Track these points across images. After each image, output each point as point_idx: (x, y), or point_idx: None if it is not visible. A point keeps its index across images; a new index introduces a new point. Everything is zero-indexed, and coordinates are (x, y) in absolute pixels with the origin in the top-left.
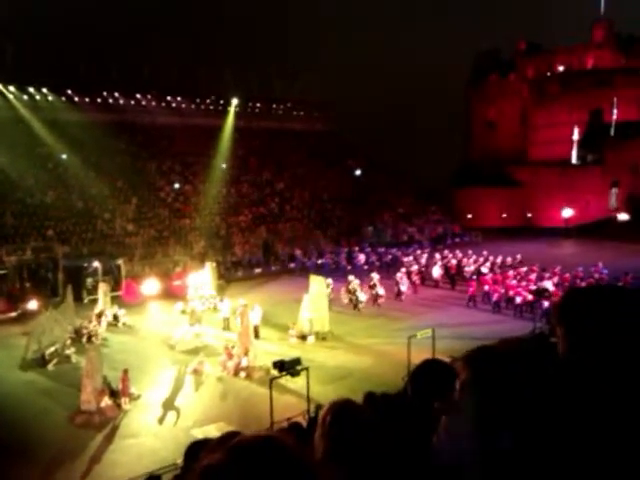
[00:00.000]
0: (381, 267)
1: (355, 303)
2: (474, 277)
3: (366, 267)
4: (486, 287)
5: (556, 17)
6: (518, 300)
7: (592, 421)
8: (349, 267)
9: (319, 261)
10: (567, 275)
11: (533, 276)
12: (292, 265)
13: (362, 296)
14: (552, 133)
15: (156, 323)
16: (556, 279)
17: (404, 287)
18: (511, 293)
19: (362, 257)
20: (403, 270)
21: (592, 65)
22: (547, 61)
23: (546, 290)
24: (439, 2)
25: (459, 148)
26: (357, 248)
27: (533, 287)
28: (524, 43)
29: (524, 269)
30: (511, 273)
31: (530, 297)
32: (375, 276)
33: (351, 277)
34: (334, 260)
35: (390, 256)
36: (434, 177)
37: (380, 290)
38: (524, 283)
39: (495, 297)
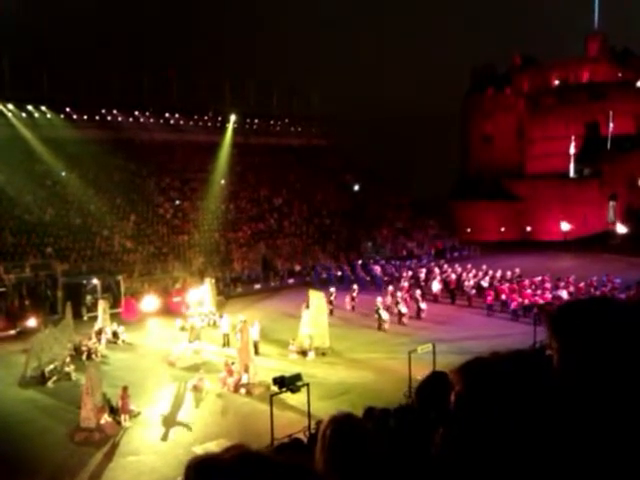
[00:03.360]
0: (399, 279)
1: (380, 323)
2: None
3: (386, 278)
4: (503, 296)
5: (550, 31)
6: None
7: (585, 433)
8: (367, 278)
9: (338, 273)
10: (582, 285)
11: (548, 285)
12: (300, 279)
13: (385, 315)
14: (549, 147)
15: (155, 340)
16: (571, 288)
17: (423, 304)
18: (526, 302)
19: (378, 268)
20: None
21: (587, 79)
22: (542, 75)
23: (551, 303)
24: (438, 17)
25: (457, 162)
26: (372, 261)
27: (549, 296)
28: (519, 58)
29: (539, 278)
30: (527, 282)
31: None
32: (398, 294)
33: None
34: (353, 272)
35: (405, 268)
36: (432, 191)
37: (403, 308)
38: (540, 292)
39: (513, 305)
